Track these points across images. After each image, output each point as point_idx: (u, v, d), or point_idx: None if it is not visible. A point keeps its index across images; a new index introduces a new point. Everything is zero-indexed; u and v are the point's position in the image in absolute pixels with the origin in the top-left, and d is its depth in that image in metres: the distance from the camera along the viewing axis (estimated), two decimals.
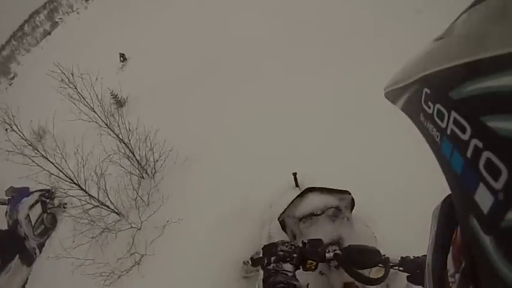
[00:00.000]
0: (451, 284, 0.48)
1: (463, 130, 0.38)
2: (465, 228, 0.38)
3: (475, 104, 0.36)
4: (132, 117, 5.11)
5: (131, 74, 10.22)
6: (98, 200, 4.41)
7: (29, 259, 6.56)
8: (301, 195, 1.80)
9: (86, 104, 4.47)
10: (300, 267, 1.24)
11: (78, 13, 33.47)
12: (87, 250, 4.31)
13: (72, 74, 4.41)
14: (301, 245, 1.29)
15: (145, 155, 4.85)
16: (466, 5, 0.41)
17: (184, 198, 4.32)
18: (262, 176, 3.80)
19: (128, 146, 4.67)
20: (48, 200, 6.72)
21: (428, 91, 0.49)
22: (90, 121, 4.54)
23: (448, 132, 0.42)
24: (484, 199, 0.33)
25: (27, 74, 25.06)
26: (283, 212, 1.80)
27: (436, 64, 0.47)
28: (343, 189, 1.77)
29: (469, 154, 0.36)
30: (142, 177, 4.97)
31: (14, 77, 35.98)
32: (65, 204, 6.36)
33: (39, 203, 6.49)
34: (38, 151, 4.25)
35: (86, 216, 4.38)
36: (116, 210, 4.55)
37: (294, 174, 2.85)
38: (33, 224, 6.38)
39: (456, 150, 0.40)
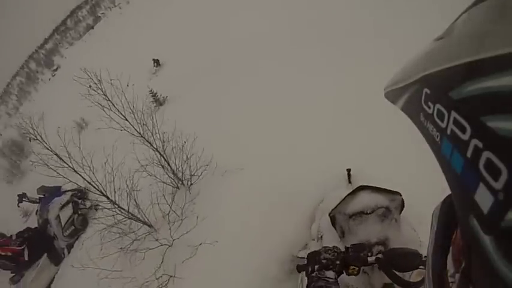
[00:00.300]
0: (451, 284, 0.48)
1: (463, 130, 0.38)
2: (465, 228, 0.38)
3: (475, 104, 0.36)
4: (167, 125, 4.98)
5: (165, 78, 10.70)
6: (128, 212, 4.31)
7: (57, 258, 6.63)
8: (353, 193, 1.83)
9: (118, 113, 4.30)
10: (343, 272, 1.30)
11: (120, 8, 34.47)
12: (115, 261, 4.22)
13: (99, 80, 4.25)
14: (343, 249, 1.35)
15: (181, 165, 4.66)
16: (466, 5, 0.42)
17: (222, 215, 4.10)
18: (306, 181, 3.68)
19: (162, 156, 4.52)
20: (80, 201, 6.72)
21: (428, 91, 0.49)
22: (121, 129, 4.35)
23: (448, 132, 0.42)
24: (484, 199, 0.33)
25: (69, 67, 25.72)
26: (335, 208, 1.85)
27: (436, 64, 0.46)
28: (395, 190, 1.80)
29: (469, 154, 0.36)
30: (178, 188, 4.79)
31: (57, 68, 37.29)
32: (97, 206, 6.12)
33: (71, 204, 6.49)
34: (63, 161, 4.21)
35: (117, 225, 4.35)
36: (148, 222, 4.42)
37: (348, 170, 2.96)
38: (63, 224, 6.39)
39: (456, 150, 0.40)
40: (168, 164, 4.52)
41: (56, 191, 6.51)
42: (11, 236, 6.54)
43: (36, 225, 6.63)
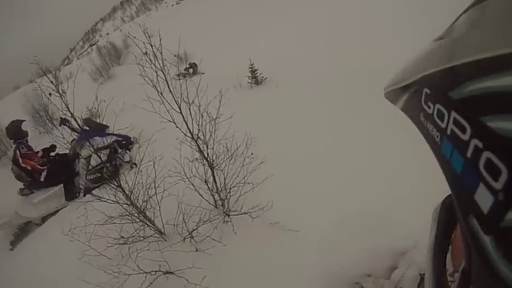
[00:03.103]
0: (450, 283, 0.48)
1: (463, 130, 0.38)
2: (465, 228, 0.39)
3: (475, 104, 0.37)
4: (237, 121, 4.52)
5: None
6: (142, 211, 3.84)
7: (70, 194, 6.50)
8: None
9: (172, 101, 3.60)
10: None
11: None
12: (108, 247, 3.77)
13: (157, 51, 3.47)
14: None
15: (229, 187, 3.99)
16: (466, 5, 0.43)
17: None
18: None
19: (211, 168, 3.92)
20: (120, 150, 6.52)
21: (428, 91, 0.49)
22: (171, 121, 3.70)
23: (448, 132, 0.42)
24: (484, 199, 0.34)
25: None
26: None
27: (436, 64, 0.46)
28: None
29: (469, 154, 0.37)
30: (215, 207, 4.19)
31: None
32: (134, 163, 6.05)
33: (109, 150, 6.19)
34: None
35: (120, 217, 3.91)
36: (160, 230, 3.97)
37: None
38: (90, 167, 6.22)
39: (456, 150, 0.41)
40: (214, 181, 3.98)
41: (101, 130, 6.10)
42: (38, 151, 6.66)
43: (67, 152, 6.23)
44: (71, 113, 3.73)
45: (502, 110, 0.30)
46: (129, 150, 6.89)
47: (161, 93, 3.57)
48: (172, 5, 42.64)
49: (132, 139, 6.97)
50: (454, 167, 0.39)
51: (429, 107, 0.47)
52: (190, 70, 12.27)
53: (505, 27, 0.32)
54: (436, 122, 0.44)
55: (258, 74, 8.94)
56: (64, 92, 3.58)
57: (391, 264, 2.96)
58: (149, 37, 3.36)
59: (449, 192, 0.43)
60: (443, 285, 0.47)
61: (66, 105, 3.65)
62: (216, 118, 3.91)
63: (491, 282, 0.32)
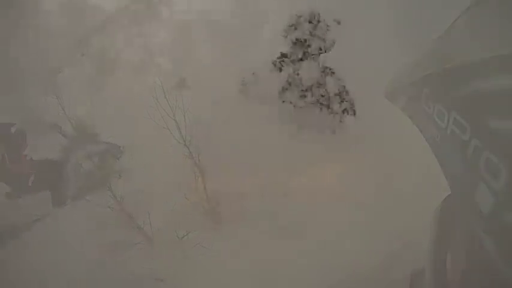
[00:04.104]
0: (450, 283, 0.52)
1: (463, 130, 0.37)
2: (465, 228, 0.43)
3: (475, 104, 0.37)
4: None
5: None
6: (133, 219, 3.95)
7: (58, 200, 6.25)
8: None
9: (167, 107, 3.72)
10: None
11: None
12: (99, 254, 3.83)
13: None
14: None
15: (221, 193, 4.11)
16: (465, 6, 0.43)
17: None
18: None
19: (201, 173, 4.00)
20: (110, 158, 6.33)
21: (428, 91, 0.52)
22: (165, 128, 3.78)
23: (448, 132, 0.43)
24: (484, 199, 0.34)
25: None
26: None
27: (436, 64, 0.50)
28: None
29: (469, 154, 0.36)
30: (206, 214, 4.19)
31: None
32: (121, 172, 5.80)
33: (98, 157, 6.11)
34: None
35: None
36: (149, 236, 3.96)
37: None
38: (79, 175, 6.09)
39: (456, 150, 0.39)
40: (204, 187, 4.03)
41: (92, 138, 6.10)
42: (26, 155, 6.45)
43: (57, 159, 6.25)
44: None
45: (502, 110, 0.30)
46: (118, 159, 7.05)
47: (157, 99, 3.57)
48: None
49: (121, 148, 7.02)
50: (454, 167, 0.40)
51: (429, 107, 0.50)
52: (184, 81, 12.33)
53: (505, 28, 0.33)
54: (436, 122, 0.47)
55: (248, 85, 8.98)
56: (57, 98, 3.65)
57: (382, 263, 2.99)
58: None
59: (449, 193, 0.46)
60: (443, 285, 0.51)
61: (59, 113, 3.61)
62: (208, 125, 3.97)
63: (491, 282, 0.34)
